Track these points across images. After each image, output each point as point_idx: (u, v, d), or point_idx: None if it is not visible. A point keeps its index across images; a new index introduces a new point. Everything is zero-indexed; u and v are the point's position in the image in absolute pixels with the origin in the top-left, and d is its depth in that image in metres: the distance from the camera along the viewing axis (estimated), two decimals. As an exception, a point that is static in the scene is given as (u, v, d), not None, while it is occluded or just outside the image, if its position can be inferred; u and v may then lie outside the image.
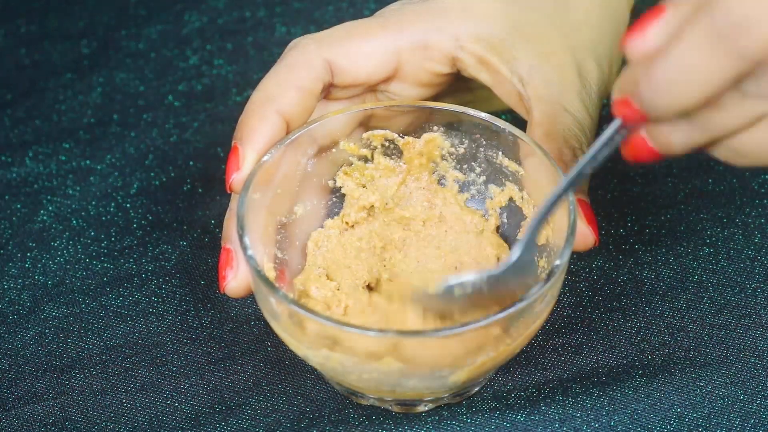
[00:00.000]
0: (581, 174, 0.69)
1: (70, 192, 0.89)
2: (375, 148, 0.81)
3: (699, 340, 0.80)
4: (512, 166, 0.79)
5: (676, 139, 0.64)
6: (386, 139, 0.80)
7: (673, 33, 0.60)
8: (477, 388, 0.77)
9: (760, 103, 0.61)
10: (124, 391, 0.79)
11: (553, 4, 0.80)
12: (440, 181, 0.82)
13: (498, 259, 0.80)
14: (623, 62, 0.86)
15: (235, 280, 0.75)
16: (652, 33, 0.62)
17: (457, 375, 0.72)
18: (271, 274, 0.75)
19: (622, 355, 0.79)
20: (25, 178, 0.90)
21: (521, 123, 0.80)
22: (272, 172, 0.76)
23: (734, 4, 0.58)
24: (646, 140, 0.65)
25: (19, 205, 0.89)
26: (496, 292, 0.73)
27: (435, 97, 0.82)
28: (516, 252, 0.72)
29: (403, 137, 0.80)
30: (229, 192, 0.76)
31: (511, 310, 0.69)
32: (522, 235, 0.73)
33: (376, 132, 0.80)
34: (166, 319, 0.82)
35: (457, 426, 0.76)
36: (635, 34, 0.62)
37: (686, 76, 0.60)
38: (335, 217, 0.81)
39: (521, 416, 0.76)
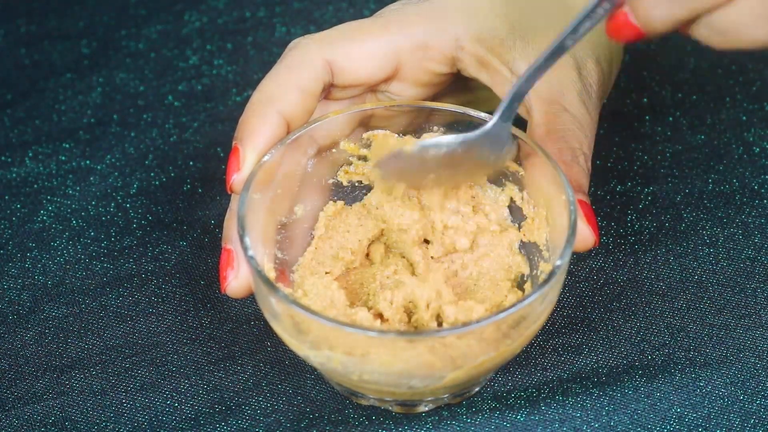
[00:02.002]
0: (562, 46, 0.71)
1: (70, 192, 0.89)
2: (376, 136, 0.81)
3: (699, 340, 0.80)
4: (513, 166, 0.79)
5: (657, 13, 0.66)
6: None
7: None
8: (477, 388, 0.77)
9: None
10: (124, 391, 0.79)
11: (553, 5, 0.80)
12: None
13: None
14: (623, 62, 0.86)
15: (236, 281, 0.75)
16: None
17: (455, 374, 0.72)
18: (271, 275, 0.75)
19: (622, 355, 0.79)
20: (25, 178, 0.90)
21: (521, 123, 0.80)
22: (272, 172, 0.76)
23: None
24: (628, 15, 0.67)
25: (19, 205, 0.89)
26: (469, 156, 0.75)
27: (435, 97, 0.82)
28: (493, 119, 0.74)
29: (403, 137, 0.80)
30: (229, 192, 0.76)
31: (512, 310, 0.69)
32: (500, 103, 0.74)
33: (377, 132, 0.80)
34: (166, 319, 0.82)
35: (457, 426, 0.76)
36: None
37: None
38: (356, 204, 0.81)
39: (521, 416, 0.76)
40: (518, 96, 0.73)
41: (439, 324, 0.75)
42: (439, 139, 0.75)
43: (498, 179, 0.80)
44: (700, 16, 0.66)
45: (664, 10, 0.66)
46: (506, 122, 0.75)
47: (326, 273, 0.79)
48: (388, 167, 0.76)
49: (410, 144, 0.75)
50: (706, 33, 0.67)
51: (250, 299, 0.81)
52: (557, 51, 0.71)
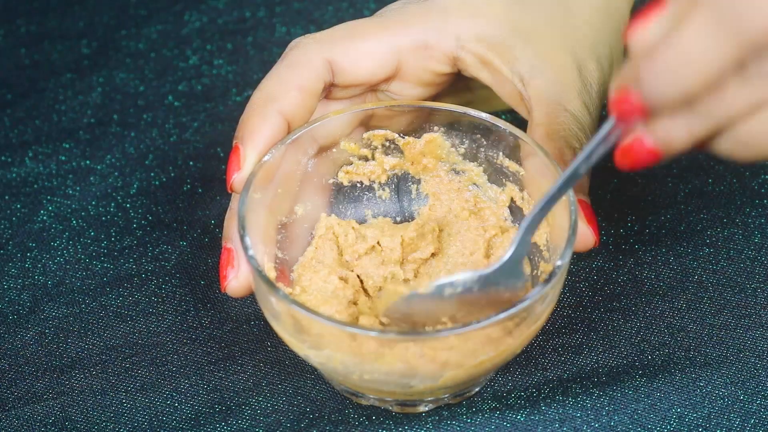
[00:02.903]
0: (576, 173, 0.68)
1: (70, 192, 0.89)
2: (375, 148, 0.81)
3: (699, 340, 0.80)
4: (513, 166, 0.79)
5: (676, 131, 0.63)
6: (387, 139, 0.80)
7: (675, 22, 0.60)
8: (477, 388, 0.77)
9: (761, 88, 0.61)
10: (124, 391, 0.79)
11: (553, 5, 0.80)
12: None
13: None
14: (624, 62, 0.86)
15: (236, 280, 0.75)
16: (654, 23, 0.61)
17: (455, 374, 0.72)
18: (271, 274, 0.75)
19: (622, 355, 0.79)
20: (25, 178, 0.90)
21: (522, 123, 0.80)
22: (273, 171, 0.76)
23: None
24: (643, 140, 0.64)
25: (19, 205, 0.89)
26: (486, 292, 0.73)
27: (435, 97, 0.82)
28: (508, 252, 0.72)
29: (403, 137, 0.80)
30: (230, 192, 0.76)
31: (512, 311, 0.69)
32: (515, 235, 0.73)
33: (377, 132, 0.80)
34: (166, 319, 0.82)
35: (457, 426, 0.76)
36: (637, 24, 0.62)
37: (688, 59, 0.59)
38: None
39: (521, 416, 0.76)
40: (532, 228, 0.72)
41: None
42: (453, 278, 0.72)
43: (498, 179, 0.80)
44: (721, 131, 0.63)
45: (685, 128, 0.63)
46: (521, 253, 0.73)
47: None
48: (398, 314, 0.74)
49: (421, 287, 0.73)
50: (728, 147, 0.63)
51: (250, 299, 0.81)
52: (571, 178, 0.69)
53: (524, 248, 0.73)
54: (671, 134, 0.63)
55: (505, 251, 0.73)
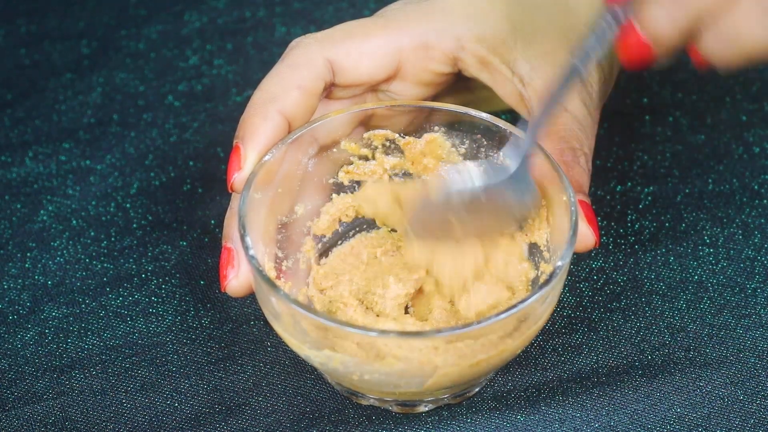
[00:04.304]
0: (576, 70, 0.71)
1: (70, 192, 0.89)
2: (376, 147, 0.81)
3: (699, 340, 0.80)
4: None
5: (661, 20, 0.67)
6: (387, 139, 0.80)
7: None
8: (477, 389, 0.77)
9: None
10: (124, 391, 0.79)
11: (553, 5, 0.80)
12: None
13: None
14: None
15: (236, 280, 0.75)
16: None
17: (455, 374, 0.72)
18: (272, 274, 0.75)
19: (622, 355, 0.79)
20: (25, 178, 0.90)
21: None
22: (273, 171, 0.76)
23: None
24: (635, 30, 0.67)
25: (19, 205, 0.89)
26: (493, 203, 0.74)
27: (435, 97, 0.82)
28: (516, 161, 0.74)
29: (403, 137, 0.80)
30: (230, 191, 0.76)
31: (513, 311, 0.69)
32: (520, 143, 0.74)
33: (377, 132, 0.80)
34: (166, 319, 0.82)
35: (457, 426, 0.76)
36: None
37: None
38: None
39: (521, 416, 0.76)
40: (537, 133, 0.73)
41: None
42: (462, 186, 0.74)
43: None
44: (703, 23, 0.66)
45: (666, 14, 0.67)
46: (526, 164, 0.74)
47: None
48: (418, 224, 0.76)
49: (434, 191, 0.75)
50: (712, 44, 0.67)
51: (250, 299, 0.82)
52: (572, 75, 0.71)
53: (530, 157, 0.74)
54: (656, 23, 0.67)
55: (510, 161, 0.74)
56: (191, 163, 0.91)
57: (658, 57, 0.68)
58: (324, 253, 0.81)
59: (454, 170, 0.75)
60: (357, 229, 0.82)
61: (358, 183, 0.81)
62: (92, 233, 0.87)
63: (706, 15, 0.66)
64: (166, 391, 0.79)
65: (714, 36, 0.67)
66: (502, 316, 0.69)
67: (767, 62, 0.68)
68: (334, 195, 0.81)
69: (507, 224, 0.76)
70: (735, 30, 0.66)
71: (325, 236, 0.81)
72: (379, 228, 0.82)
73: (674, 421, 0.76)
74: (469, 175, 0.75)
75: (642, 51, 0.68)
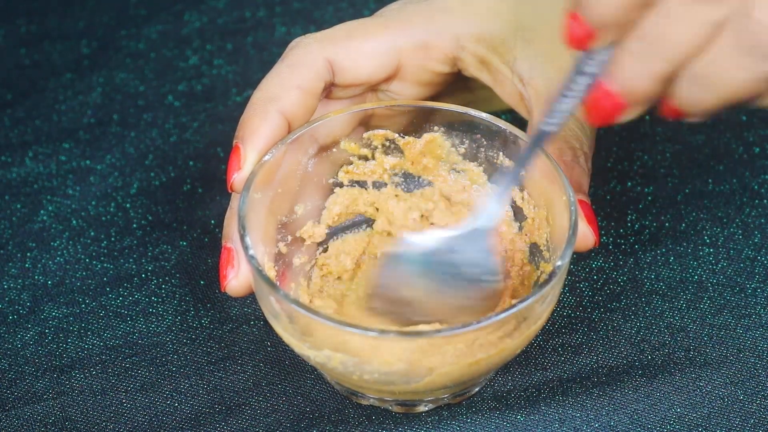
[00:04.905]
0: (544, 132, 0.69)
1: (70, 192, 0.89)
2: (375, 147, 0.81)
3: (699, 340, 0.80)
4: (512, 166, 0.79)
5: (636, 71, 0.64)
6: (387, 139, 0.80)
7: None
8: (477, 388, 0.77)
9: (707, 9, 0.62)
10: (124, 391, 0.79)
11: (553, 4, 0.80)
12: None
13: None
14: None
15: (236, 279, 0.75)
16: None
17: (455, 374, 0.72)
18: (271, 274, 0.75)
19: (622, 355, 0.79)
20: (25, 178, 0.90)
21: (522, 123, 0.80)
22: (273, 171, 0.76)
23: None
24: (607, 87, 0.65)
25: (19, 205, 0.89)
26: (452, 261, 0.73)
27: (435, 97, 0.82)
28: (472, 221, 0.73)
29: (403, 137, 0.80)
30: (230, 192, 0.76)
31: (512, 311, 0.69)
32: (488, 202, 0.74)
33: (377, 132, 0.80)
34: (166, 319, 0.82)
35: (457, 426, 0.76)
36: None
37: None
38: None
39: (521, 416, 0.76)
40: (504, 191, 0.73)
41: None
42: (421, 238, 0.74)
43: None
44: (678, 72, 0.64)
45: (642, 68, 0.64)
46: (489, 222, 0.74)
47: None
48: (377, 292, 0.76)
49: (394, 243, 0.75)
50: (687, 90, 0.64)
51: (250, 299, 0.82)
52: (539, 139, 0.70)
53: (492, 219, 0.73)
54: (631, 75, 0.64)
55: (472, 218, 0.74)
56: (191, 163, 0.91)
57: (629, 111, 0.66)
58: (324, 251, 0.81)
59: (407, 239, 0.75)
60: (357, 228, 0.82)
61: (359, 183, 0.81)
62: (92, 233, 0.87)
63: (682, 60, 0.63)
64: (166, 391, 0.79)
65: (689, 81, 0.64)
66: (502, 315, 0.69)
67: (742, 106, 0.65)
68: (337, 189, 0.81)
69: (474, 293, 0.74)
70: (713, 73, 0.63)
71: (328, 228, 0.81)
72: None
73: (674, 421, 0.76)
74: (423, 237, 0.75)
75: (615, 106, 0.65)
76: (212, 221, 0.87)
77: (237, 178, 0.75)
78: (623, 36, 0.64)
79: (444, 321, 0.74)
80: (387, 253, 0.75)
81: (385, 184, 0.82)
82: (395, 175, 0.82)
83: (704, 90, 0.64)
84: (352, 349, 0.70)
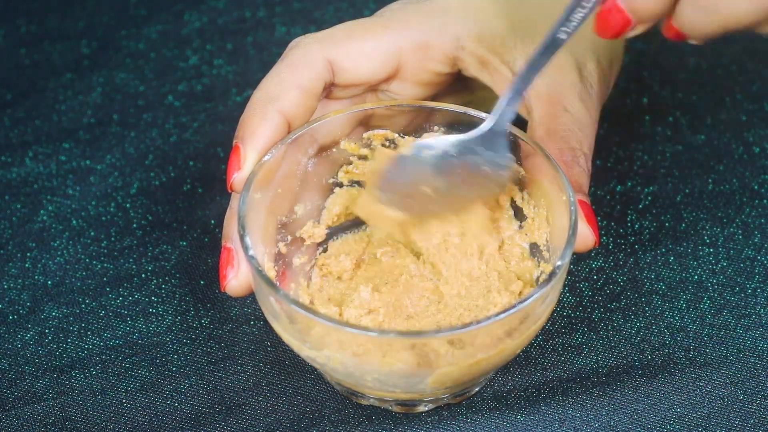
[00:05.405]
0: (556, 40, 0.71)
1: (70, 192, 0.89)
2: (375, 147, 0.81)
3: (699, 340, 0.80)
4: (513, 166, 0.79)
5: None
6: (386, 139, 0.80)
7: None
8: (477, 388, 0.77)
9: None
10: (124, 391, 0.79)
11: (553, 4, 0.80)
12: None
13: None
14: (623, 62, 0.86)
15: (236, 279, 0.75)
16: None
17: (455, 374, 0.72)
18: (271, 274, 0.75)
19: (622, 355, 0.79)
20: (25, 178, 0.90)
21: (522, 123, 0.80)
22: (273, 171, 0.76)
23: None
24: (616, 2, 0.68)
25: (19, 205, 0.89)
26: (466, 163, 0.74)
27: (435, 97, 0.82)
28: (489, 121, 0.74)
29: (403, 137, 0.80)
30: (230, 191, 0.76)
31: (512, 311, 0.69)
32: (496, 106, 0.74)
33: (377, 132, 0.80)
34: (166, 319, 0.82)
35: (457, 426, 0.76)
36: None
37: None
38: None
39: (521, 416, 0.76)
40: (516, 94, 0.73)
41: None
42: (431, 141, 0.75)
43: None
44: None
45: None
46: (502, 125, 0.74)
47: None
48: (386, 185, 0.76)
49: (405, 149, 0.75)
50: (689, 13, 0.66)
51: (250, 299, 0.82)
52: (551, 45, 0.71)
53: (507, 118, 0.74)
54: None
55: (485, 121, 0.74)
56: (191, 163, 0.91)
57: (634, 26, 0.68)
58: (324, 251, 0.81)
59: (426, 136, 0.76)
60: (357, 228, 0.82)
61: (358, 183, 0.81)
62: (92, 233, 0.87)
63: None
64: (166, 391, 0.79)
65: (693, 6, 0.66)
66: (502, 315, 0.69)
67: (742, 32, 0.67)
68: (336, 189, 0.81)
69: (483, 187, 0.76)
70: (716, 0, 0.66)
71: (328, 228, 0.81)
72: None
73: (674, 421, 0.76)
74: (441, 134, 0.76)
75: (619, 20, 0.68)
76: (212, 221, 0.87)
77: (237, 177, 0.75)
78: None
79: (454, 211, 0.76)
80: (401, 154, 0.76)
81: None
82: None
83: (706, 15, 0.66)
84: (352, 349, 0.70)
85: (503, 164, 0.75)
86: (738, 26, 0.66)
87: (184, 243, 0.86)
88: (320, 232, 0.80)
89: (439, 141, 0.75)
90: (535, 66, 0.72)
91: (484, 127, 0.74)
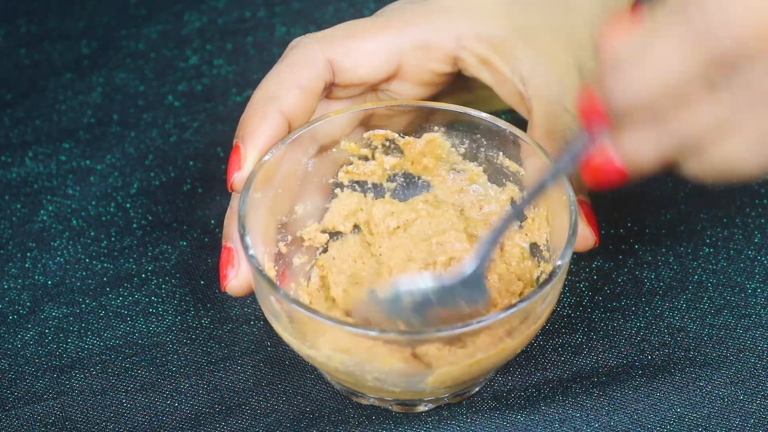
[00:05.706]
0: (543, 188, 0.69)
1: (70, 192, 0.89)
2: (375, 147, 0.81)
3: (699, 340, 0.80)
4: (513, 166, 0.79)
5: (643, 147, 0.62)
6: (387, 139, 0.80)
7: (648, 36, 0.60)
8: (477, 388, 0.77)
9: (728, 106, 0.60)
10: (124, 391, 0.79)
11: (554, 4, 0.80)
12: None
13: None
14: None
15: (236, 279, 0.75)
16: (628, 35, 0.61)
17: (455, 374, 0.72)
18: (271, 274, 0.75)
19: (622, 355, 0.79)
20: (25, 178, 0.90)
21: (522, 123, 0.80)
22: (273, 171, 0.76)
23: (710, 4, 0.58)
24: (611, 157, 0.64)
25: (19, 205, 0.89)
26: (445, 303, 0.73)
27: (435, 97, 0.82)
28: (470, 266, 0.72)
29: (403, 137, 0.80)
30: (230, 191, 0.76)
31: (512, 311, 0.69)
32: (477, 247, 0.73)
33: (377, 131, 0.80)
34: (166, 319, 0.82)
35: (457, 426, 0.76)
36: (611, 32, 0.62)
37: (653, 67, 0.59)
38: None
39: (521, 416, 0.76)
40: (495, 242, 0.72)
41: None
42: (413, 286, 0.73)
43: (498, 179, 0.80)
44: (689, 152, 0.62)
45: (651, 144, 0.62)
46: (483, 268, 0.72)
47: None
48: (360, 312, 0.76)
49: (381, 288, 0.74)
50: (695, 168, 0.63)
51: (250, 299, 0.82)
52: (538, 191, 0.70)
53: (487, 262, 0.72)
54: (638, 150, 0.63)
55: (466, 264, 0.73)
56: (191, 163, 0.91)
57: (628, 180, 0.65)
58: (324, 251, 0.81)
59: (406, 276, 0.75)
60: (357, 228, 0.82)
61: (358, 183, 0.81)
62: (92, 233, 0.87)
63: (694, 143, 0.61)
64: (166, 391, 0.79)
65: (700, 162, 0.62)
66: (502, 315, 0.69)
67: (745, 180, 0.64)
68: (338, 191, 0.81)
69: (458, 314, 0.74)
70: (726, 158, 0.62)
71: (327, 231, 0.81)
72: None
73: (674, 421, 0.76)
74: (420, 277, 0.74)
75: (615, 175, 0.64)
76: (212, 221, 0.87)
77: (237, 177, 0.75)
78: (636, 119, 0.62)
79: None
80: (374, 293, 0.74)
81: (385, 194, 0.82)
82: (395, 175, 0.82)
83: (713, 171, 0.63)
84: (352, 349, 0.70)
85: (479, 301, 0.73)
86: (743, 178, 0.63)
87: (184, 243, 0.86)
88: (322, 239, 0.80)
89: (418, 285, 0.73)
90: (511, 218, 0.71)
91: (465, 271, 0.73)
